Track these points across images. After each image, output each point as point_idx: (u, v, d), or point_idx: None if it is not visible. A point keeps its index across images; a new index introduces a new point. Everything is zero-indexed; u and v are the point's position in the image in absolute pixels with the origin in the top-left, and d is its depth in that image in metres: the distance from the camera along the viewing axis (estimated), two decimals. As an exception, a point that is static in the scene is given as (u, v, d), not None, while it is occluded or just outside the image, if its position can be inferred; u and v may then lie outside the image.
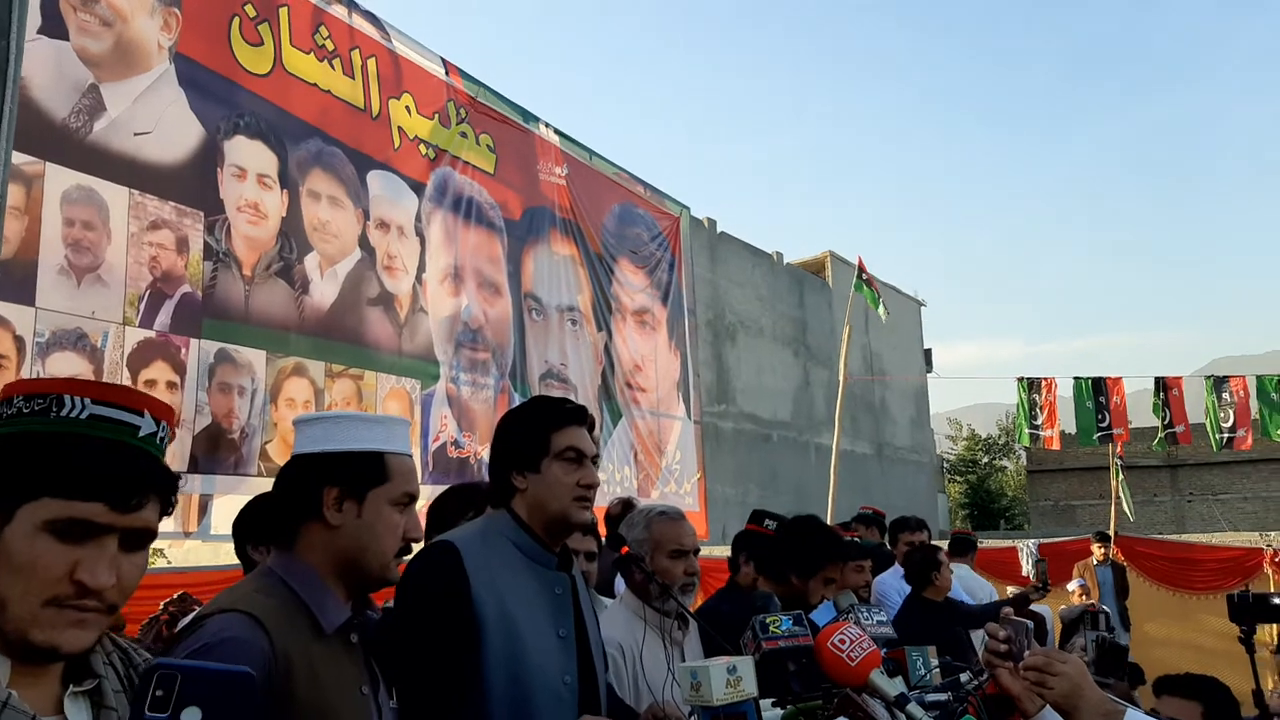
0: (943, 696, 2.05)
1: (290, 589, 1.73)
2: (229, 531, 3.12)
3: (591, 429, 2.31)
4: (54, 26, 4.49)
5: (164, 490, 1.21)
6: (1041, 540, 11.28)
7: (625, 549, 2.85)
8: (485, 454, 3.22)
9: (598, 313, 8.50)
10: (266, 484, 4.53)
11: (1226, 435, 11.16)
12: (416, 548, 2.01)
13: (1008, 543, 11.66)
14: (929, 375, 33.31)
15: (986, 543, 11.88)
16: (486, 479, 2.38)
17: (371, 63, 6.38)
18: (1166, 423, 11.26)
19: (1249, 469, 32.33)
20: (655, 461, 8.96)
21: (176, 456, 4.78)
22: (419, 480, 1.94)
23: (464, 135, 7.17)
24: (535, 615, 2.13)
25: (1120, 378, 11.20)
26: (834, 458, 11.11)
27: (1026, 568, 10.49)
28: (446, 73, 7.11)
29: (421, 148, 6.74)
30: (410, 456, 1.91)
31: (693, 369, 10.09)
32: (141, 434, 1.19)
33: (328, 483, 1.77)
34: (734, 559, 4.05)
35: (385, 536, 1.79)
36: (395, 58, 6.63)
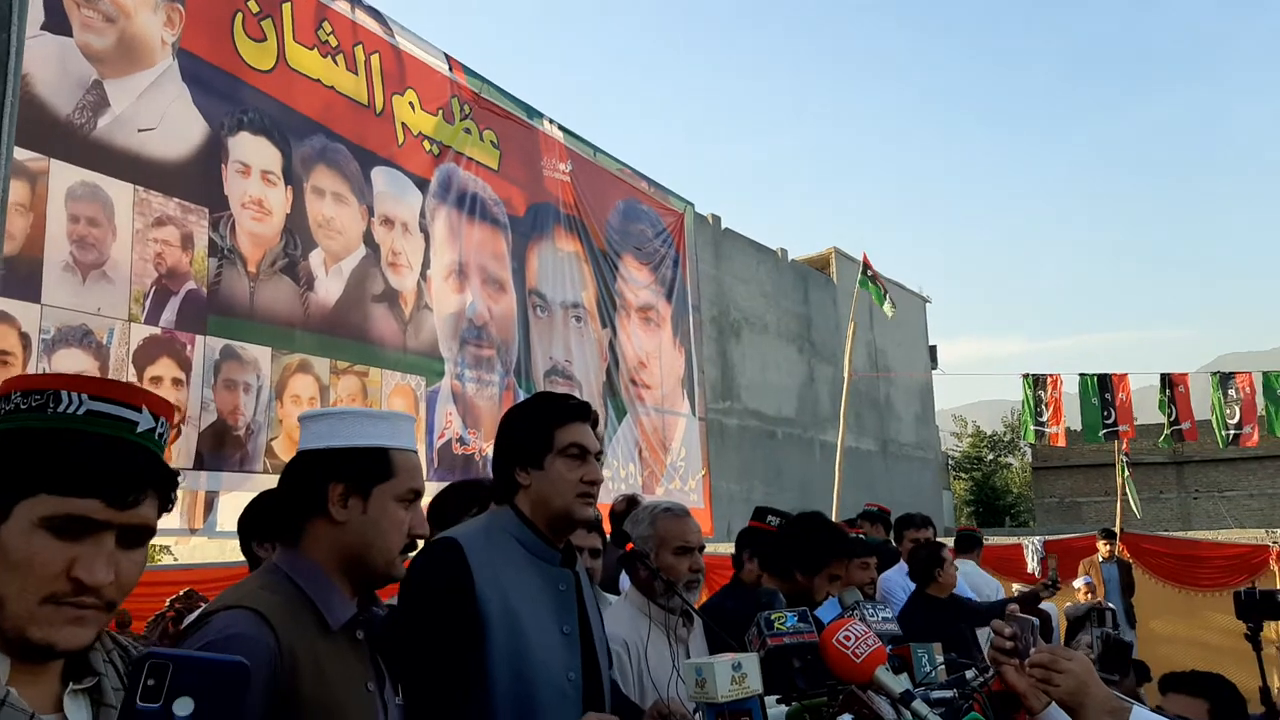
0: (948, 693, 2.04)
1: (296, 585, 1.73)
2: (234, 528, 3.12)
3: (595, 425, 2.31)
4: (57, 22, 4.49)
5: (162, 486, 1.20)
6: (1047, 537, 11.26)
7: (630, 546, 2.84)
8: (490, 451, 3.22)
9: (602, 309, 8.49)
10: (272, 481, 4.54)
11: (1233, 432, 11.13)
12: (421, 544, 2.01)
13: (1013, 540, 11.64)
14: (934, 372, 33.27)
15: (992, 540, 11.86)
16: (490, 476, 2.38)
17: (375, 59, 6.38)
18: (1172, 419, 11.23)
19: (1255, 466, 32.25)
20: (660, 458, 8.96)
21: (182, 453, 4.78)
22: (424, 477, 1.94)
23: (468, 131, 7.17)
24: (539, 612, 2.12)
25: (1126, 374, 11.18)
26: (839, 454, 11.09)
27: (1032, 565, 10.47)
28: (450, 69, 7.10)
29: (425, 144, 6.74)
30: (415, 452, 1.91)
31: (697, 365, 10.09)
32: (139, 430, 1.18)
33: (333, 479, 1.76)
34: (737, 556, 4.04)
35: (390, 533, 1.78)
36: (399, 54, 6.63)
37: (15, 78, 2.38)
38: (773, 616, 2.13)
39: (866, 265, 11.80)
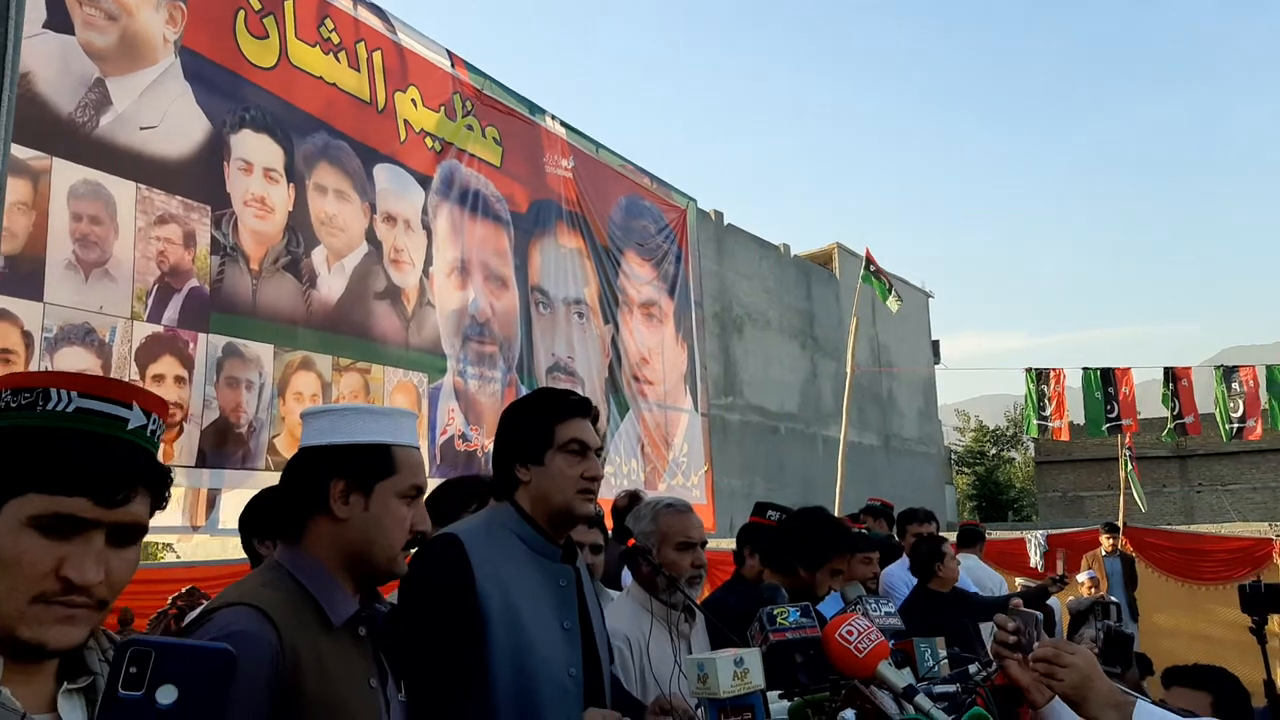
0: (951, 688, 2.04)
1: (298, 582, 1.73)
2: (236, 526, 3.12)
3: (595, 421, 2.31)
4: (59, 20, 4.49)
5: (153, 484, 1.19)
6: (1050, 532, 11.26)
7: (632, 541, 2.84)
8: (492, 447, 3.21)
9: (604, 305, 8.49)
10: (274, 478, 4.55)
11: (1236, 425, 11.11)
12: (423, 541, 2.01)
13: (1016, 534, 11.64)
14: (937, 367, 33.26)
15: (995, 534, 11.86)
16: (489, 472, 2.38)
17: (377, 55, 6.38)
18: (1176, 413, 11.22)
19: (1258, 459, 32.23)
20: (662, 454, 8.96)
21: (184, 451, 4.79)
22: (426, 473, 1.94)
23: (470, 128, 7.16)
24: (540, 608, 2.12)
25: (1129, 368, 11.16)
26: (841, 450, 11.09)
27: (1035, 559, 10.47)
28: (452, 65, 7.10)
29: (428, 140, 6.73)
30: (417, 449, 1.90)
31: (700, 361, 10.08)
32: (130, 427, 1.17)
33: (334, 475, 1.76)
34: (739, 551, 4.04)
35: (392, 529, 1.78)
36: (400, 50, 6.62)
37: (13, 72, 2.38)
38: (775, 611, 2.13)
39: (870, 260, 11.79)
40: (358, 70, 6.22)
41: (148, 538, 1.34)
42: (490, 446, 2.73)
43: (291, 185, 5.61)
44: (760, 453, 22.77)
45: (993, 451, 43.26)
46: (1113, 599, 8.50)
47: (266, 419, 5.25)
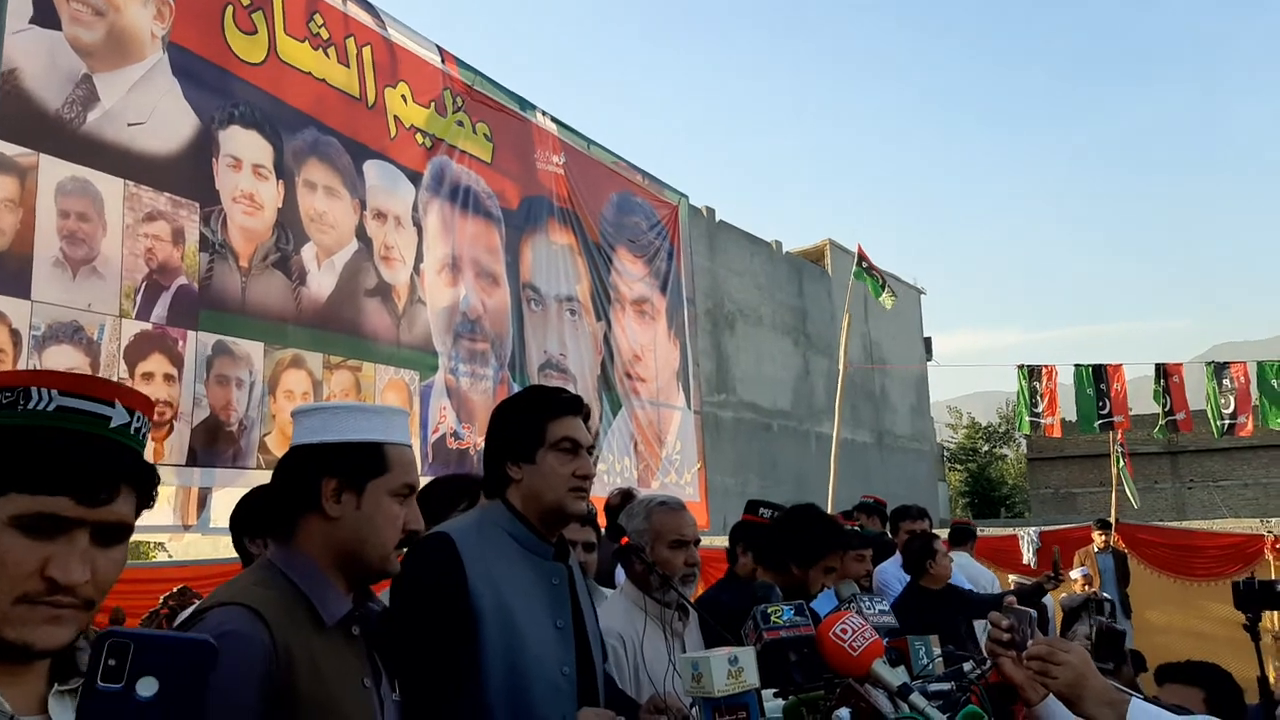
0: (946, 686, 2.03)
1: (290, 581, 1.72)
2: (228, 525, 3.11)
3: (587, 419, 2.30)
4: (46, 16, 4.45)
5: (138, 482, 1.18)
6: (1043, 528, 11.29)
7: (625, 540, 2.83)
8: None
9: (596, 303, 8.47)
10: (266, 476, 4.52)
11: (1227, 422, 11.15)
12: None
13: (1008, 531, 11.67)
14: (929, 363, 33.33)
15: (987, 531, 11.89)
16: (479, 470, 2.37)
17: (367, 51, 6.35)
18: (1167, 410, 11.25)
19: (1249, 455, 32.38)
20: (655, 452, 8.95)
21: (175, 449, 4.76)
22: (418, 471, 1.93)
23: (460, 124, 7.14)
24: (532, 606, 2.12)
25: (1120, 365, 11.19)
26: (834, 447, 11.11)
27: (1027, 556, 10.50)
28: (442, 61, 7.07)
29: (418, 137, 6.71)
30: (409, 447, 1.89)
31: (692, 358, 10.08)
32: (113, 425, 1.16)
33: (326, 474, 1.75)
34: (731, 550, 4.04)
35: (385, 528, 1.77)
36: (390, 46, 6.59)
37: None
38: (769, 610, 2.13)
39: (862, 257, 11.80)
40: (347, 66, 6.19)
41: (139, 537, 1.33)
42: (482, 444, 2.72)
43: (281, 182, 5.58)
44: (753, 450, 22.79)
45: (985, 448, 43.38)
46: (1106, 595, 8.53)
47: (257, 417, 5.22)
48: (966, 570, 6.44)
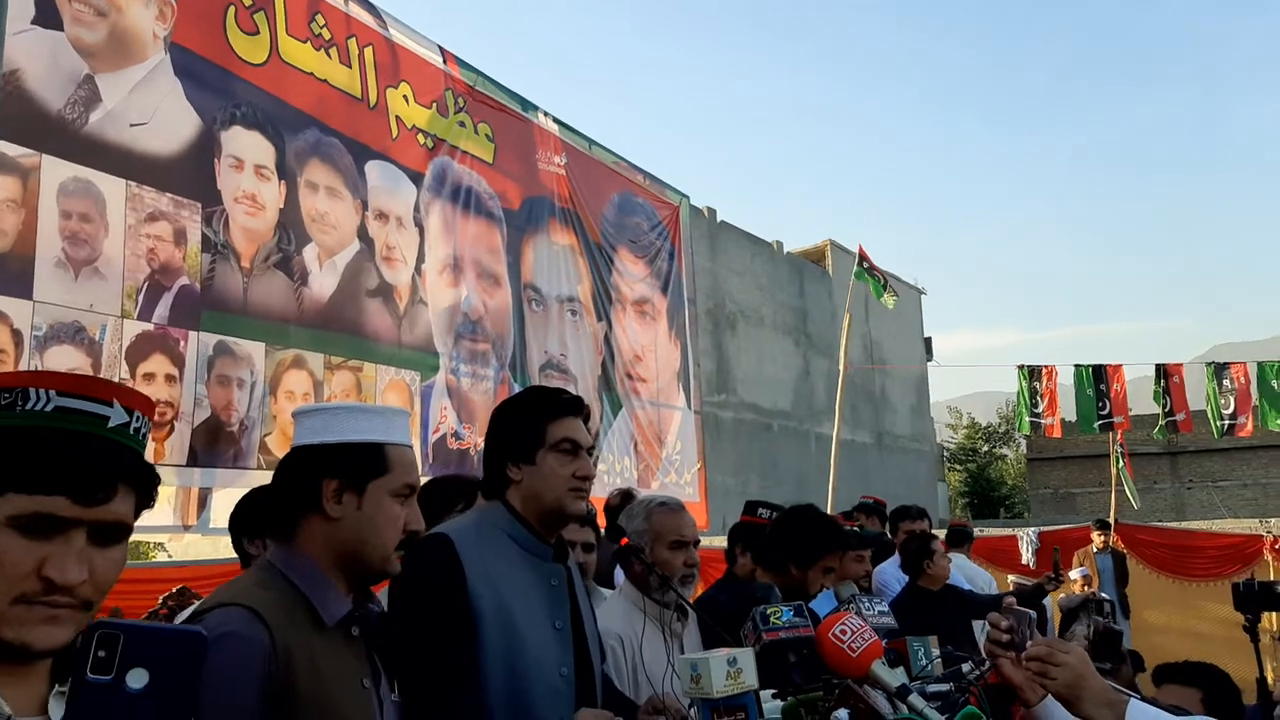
0: (945, 687, 2.04)
1: (290, 582, 1.73)
2: (228, 525, 3.11)
3: (587, 420, 2.31)
4: (48, 17, 4.46)
5: (136, 481, 1.18)
6: (1042, 528, 11.29)
7: (625, 540, 2.84)
8: (485, 445, 3.20)
9: (597, 303, 8.48)
10: (266, 477, 4.52)
11: (1227, 422, 11.14)
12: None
13: (1008, 531, 11.67)
14: (929, 364, 33.32)
15: (987, 531, 11.88)
16: (476, 471, 2.38)
17: (368, 51, 6.35)
18: (1167, 410, 11.24)
19: (1249, 455, 32.36)
20: (655, 452, 8.95)
21: (176, 450, 4.77)
22: (419, 472, 1.93)
23: (462, 124, 7.14)
24: (531, 607, 2.12)
25: (1120, 365, 11.18)
26: (834, 447, 11.11)
27: (1027, 556, 10.50)
28: (444, 61, 7.07)
29: (420, 137, 6.71)
30: (410, 448, 1.90)
31: (693, 359, 10.08)
32: (112, 425, 1.16)
33: (327, 474, 1.75)
34: (730, 550, 4.04)
35: (385, 528, 1.78)
36: (392, 46, 6.60)
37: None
38: (768, 611, 2.13)
39: (863, 257, 11.79)
40: (349, 66, 6.19)
41: (139, 537, 1.33)
42: (482, 445, 2.73)
43: (283, 182, 5.59)
44: (753, 450, 22.79)
45: (985, 448, 43.37)
46: (1105, 596, 8.54)
47: (258, 417, 5.23)
48: (963, 571, 6.45)
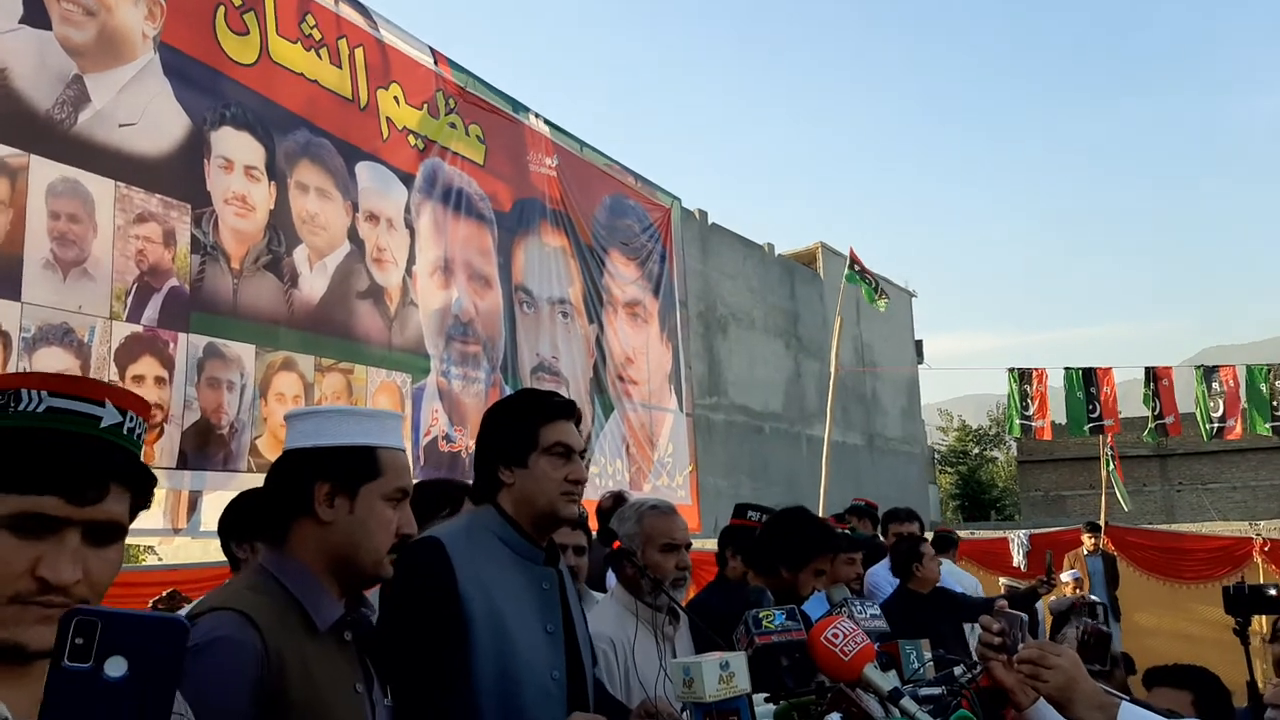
0: (937, 690, 2.04)
1: (283, 586, 1.72)
2: (216, 528, 3.10)
3: (579, 423, 2.30)
4: (36, 16, 4.43)
5: (130, 481, 1.18)
6: (1033, 531, 11.32)
7: (616, 543, 2.83)
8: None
9: (589, 305, 8.47)
10: (256, 480, 4.50)
11: (1216, 425, 11.19)
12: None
13: (999, 533, 11.70)
14: (920, 366, 33.41)
15: (978, 534, 11.91)
16: (463, 476, 2.37)
17: (359, 52, 6.34)
18: (1156, 413, 11.28)
19: (1238, 458, 32.53)
20: (647, 454, 8.95)
21: (165, 452, 4.74)
22: (411, 475, 1.92)
23: (453, 126, 7.13)
24: (523, 611, 2.12)
25: (1110, 368, 11.22)
26: (825, 449, 11.13)
27: (1018, 558, 10.52)
28: (435, 62, 7.06)
29: (410, 138, 6.70)
30: (403, 451, 1.89)
31: (684, 361, 10.08)
32: (104, 425, 1.16)
33: (319, 478, 1.75)
34: (721, 553, 4.04)
35: (378, 532, 1.77)
36: (383, 47, 6.58)
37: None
38: (761, 615, 2.13)
39: (854, 260, 11.82)
40: (339, 67, 6.18)
41: (129, 540, 1.32)
42: (474, 447, 2.72)
43: (273, 183, 5.57)
44: (745, 452, 22.81)
45: (975, 451, 43.49)
46: (1095, 599, 8.56)
47: (248, 420, 5.20)
48: (948, 577, 6.46)
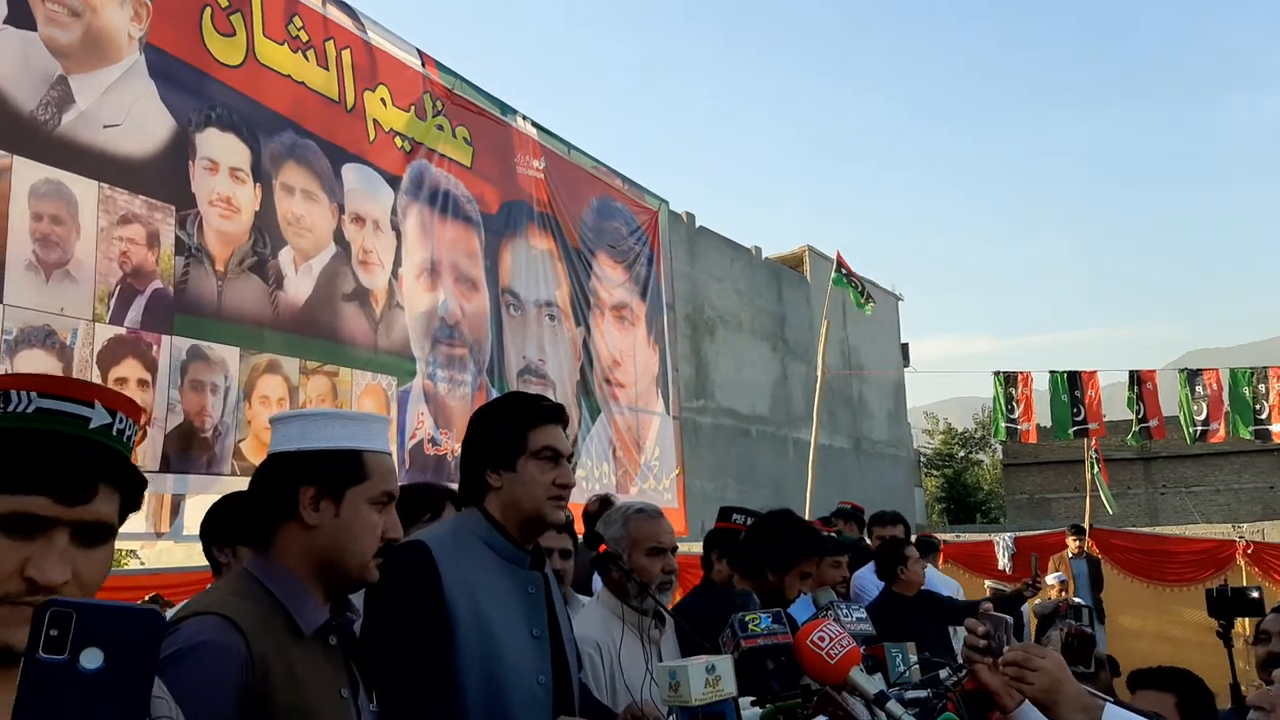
0: (923, 693, 2.04)
1: (267, 590, 1.71)
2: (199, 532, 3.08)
3: (565, 427, 2.30)
4: (21, 16, 4.40)
5: (119, 482, 1.18)
6: (1018, 534, 11.37)
7: (603, 547, 2.83)
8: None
9: (576, 308, 8.47)
10: (240, 483, 4.47)
11: (1200, 428, 11.26)
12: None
13: (984, 536, 11.74)
14: (906, 369, 33.53)
15: (963, 537, 11.95)
16: (444, 481, 2.37)
17: (346, 54, 6.32)
18: (1140, 416, 11.36)
19: (1221, 461, 32.75)
20: (634, 458, 8.94)
21: (148, 455, 4.71)
22: (397, 478, 1.92)
23: (440, 128, 7.11)
24: (509, 615, 2.11)
25: (1095, 371, 11.30)
26: (812, 452, 11.15)
27: (1003, 561, 10.57)
28: (422, 64, 7.05)
29: (397, 140, 6.68)
30: (389, 455, 1.88)
31: (671, 364, 10.08)
32: (93, 426, 1.16)
33: (304, 482, 1.74)
34: (706, 557, 4.04)
35: (363, 536, 1.76)
36: (370, 49, 6.56)
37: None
38: (747, 618, 2.13)
39: (841, 264, 11.85)
40: (326, 69, 6.16)
41: (110, 544, 1.31)
42: (459, 450, 2.72)
43: (258, 185, 5.54)
44: (731, 455, 22.83)
45: (961, 454, 43.62)
46: (1080, 601, 8.59)
47: (232, 423, 5.18)
48: (929, 581, 6.48)
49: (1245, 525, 11.21)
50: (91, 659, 0.83)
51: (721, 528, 4.16)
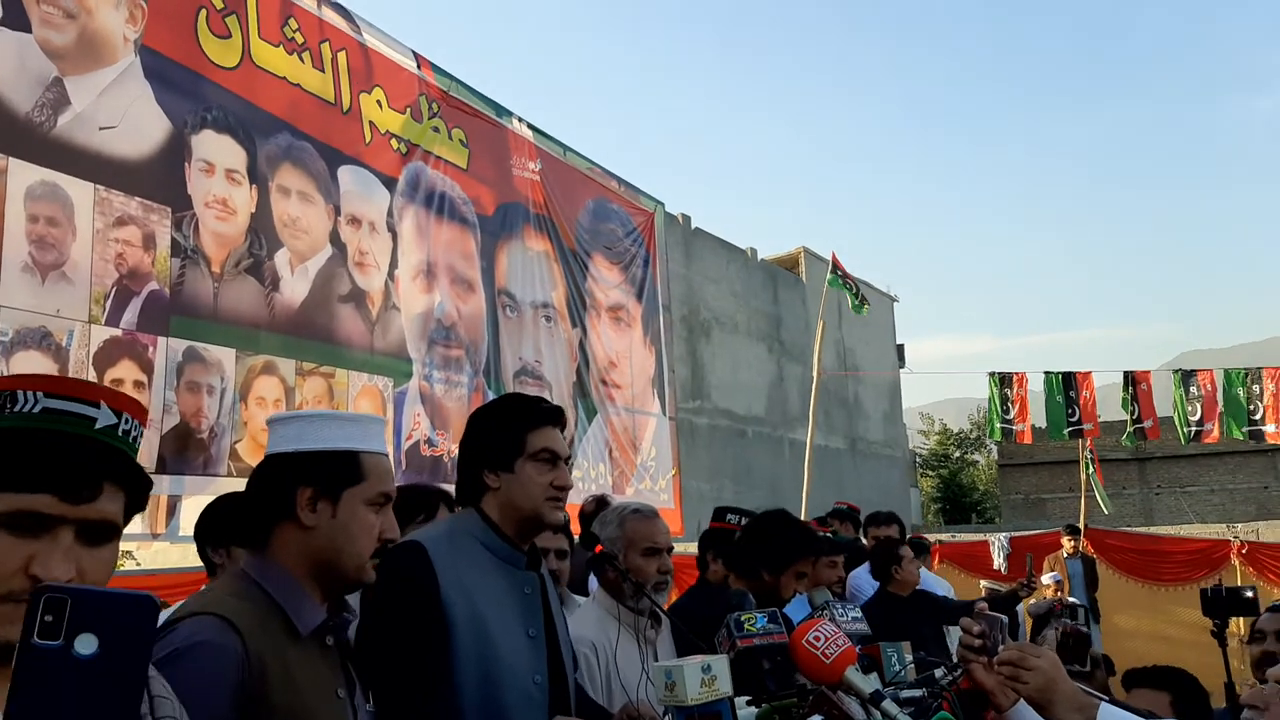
0: (918, 692, 2.05)
1: (264, 591, 1.71)
2: (193, 533, 3.08)
3: (563, 429, 2.31)
4: (16, 18, 4.40)
5: (123, 481, 1.19)
6: (1013, 534, 11.39)
7: (599, 547, 2.84)
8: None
9: (572, 309, 8.47)
10: (236, 484, 4.47)
11: (1194, 429, 11.28)
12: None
13: (980, 537, 11.77)
14: (901, 370, 33.55)
15: (959, 537, 11.97)
16: (439, 482, 2.37)
17: (342, 56, 6.32)
18: (1135, 417, 11.37)
19: (1215, 461, 32.82)
20: (630, 458, 8.95)
21: (144, 457, 4.67)
22: (394, 479, 1.92)
23: (436, 130, 7.11)
24: (505, 615, 2.12)
25: (1090, 372, 11.31)
26: (808, 453, 11.16)
27: (998, 561, 10.59)
28: (418, 67, 7.05)
29: (393, 142, 6.68)
30: (386, 455, 1.89)
31: (667, 365, 10.09)
32: (99, 426, 1.18)
33: (301, 483, 1.74)
34: (701, 557, 4.05)
35: (360, 537, 1.77)
36: (366, 51, 6.56)
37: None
38: (742, 618, 2.13)
39: (836, 265, 11.86)
40: (322, 71, 6.15)
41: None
42: (456, 452, 2.72)
43: (254, 187, 5.54)
44: (728, 456, 22.84)
45: (956, 454, 43.67)
46: (1075, 601, 8.61)
47: (228, 424, 5.17)
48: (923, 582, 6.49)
49: (1240, 525, 11.24)
50: (86, 645, 0.83)
51: (717, 528, 4.17)
